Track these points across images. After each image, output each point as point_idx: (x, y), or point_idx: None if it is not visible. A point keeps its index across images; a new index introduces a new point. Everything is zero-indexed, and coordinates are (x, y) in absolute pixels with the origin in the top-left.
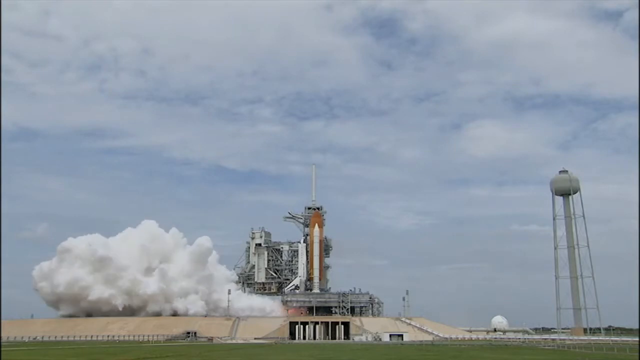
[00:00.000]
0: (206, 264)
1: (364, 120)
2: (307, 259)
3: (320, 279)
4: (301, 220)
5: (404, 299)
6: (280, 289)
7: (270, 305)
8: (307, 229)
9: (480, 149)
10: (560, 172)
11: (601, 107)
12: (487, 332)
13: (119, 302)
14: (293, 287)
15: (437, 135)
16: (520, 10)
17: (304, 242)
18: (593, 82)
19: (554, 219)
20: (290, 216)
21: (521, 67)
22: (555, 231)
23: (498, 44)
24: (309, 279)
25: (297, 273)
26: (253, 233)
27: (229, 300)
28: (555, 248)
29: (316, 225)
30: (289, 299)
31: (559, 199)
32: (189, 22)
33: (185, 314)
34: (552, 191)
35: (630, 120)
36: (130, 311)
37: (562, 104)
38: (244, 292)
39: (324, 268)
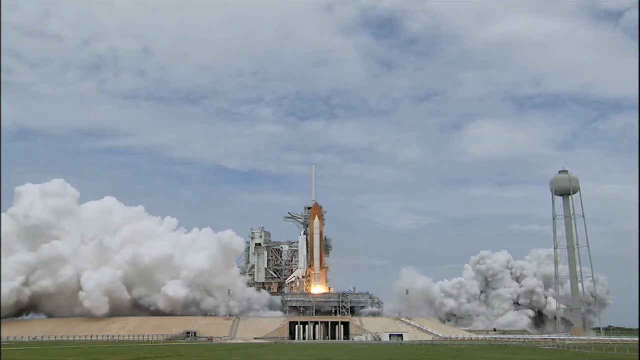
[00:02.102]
0: (233, 263)
1: (364, 120)
2: (307, 252)
3: (320, 269)
4: (301, 221)
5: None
6: (280, 289)
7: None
8: (307, 229)
9: (480, 149)
10: (560, 172)
11: (601, 107)
12: (487, 332)
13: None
14: (294, 278)
15: (437, 135)
16: (520, 10)
17: (304, 234)
18: (593, 82)
19: (554, 219)
20: (290, 216)
21: (521, 67)
22: (555, 231)
23: (498, 44)
24: (309, 274)
25: (297, 274)
26: (253, 233)
27: (229, 300)
28: (555, 248)
29: (316, 217)
30: (289, 299)
31: (559, 199)
32: (189, 22)
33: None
34: (552, 191)
35: (630, 120)
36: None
37: (562, 104)
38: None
39: (324, 259)
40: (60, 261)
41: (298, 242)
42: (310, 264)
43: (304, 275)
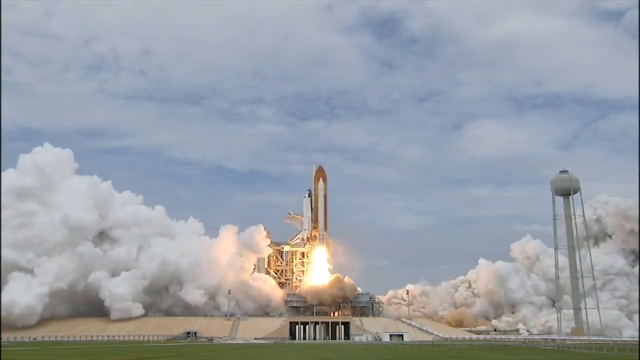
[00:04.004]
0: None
1: (364, 120)
2: (311, 212)
3: (325, 230)
4: (301, 220)
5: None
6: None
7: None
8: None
9: (480, 149)
10: (560, 172)
11: (601, 107)
12: (487, 332)
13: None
14: (299, 239)
15: (438, 135)
16: (520, 10)
17: (308, 196)
18: (593, 82)
19: (554, 219)
20: (291, 216)
21: (522, 67)
22: (555, 231)
23: (498, 44)
24: (313, 236)
25: (297, 274)
26: None
27: (229, 300)
28: (555, 248)
29: (320, 179)
30: (289, 299)
31: (559, 199)
32: (189, 22)
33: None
34: (552, 191)
35: (630, 120)
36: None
37: (562, 104)
38: None
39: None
40: (92, 264)
41: (299, 240)
42: (314, 226)
43: (309, 236)
